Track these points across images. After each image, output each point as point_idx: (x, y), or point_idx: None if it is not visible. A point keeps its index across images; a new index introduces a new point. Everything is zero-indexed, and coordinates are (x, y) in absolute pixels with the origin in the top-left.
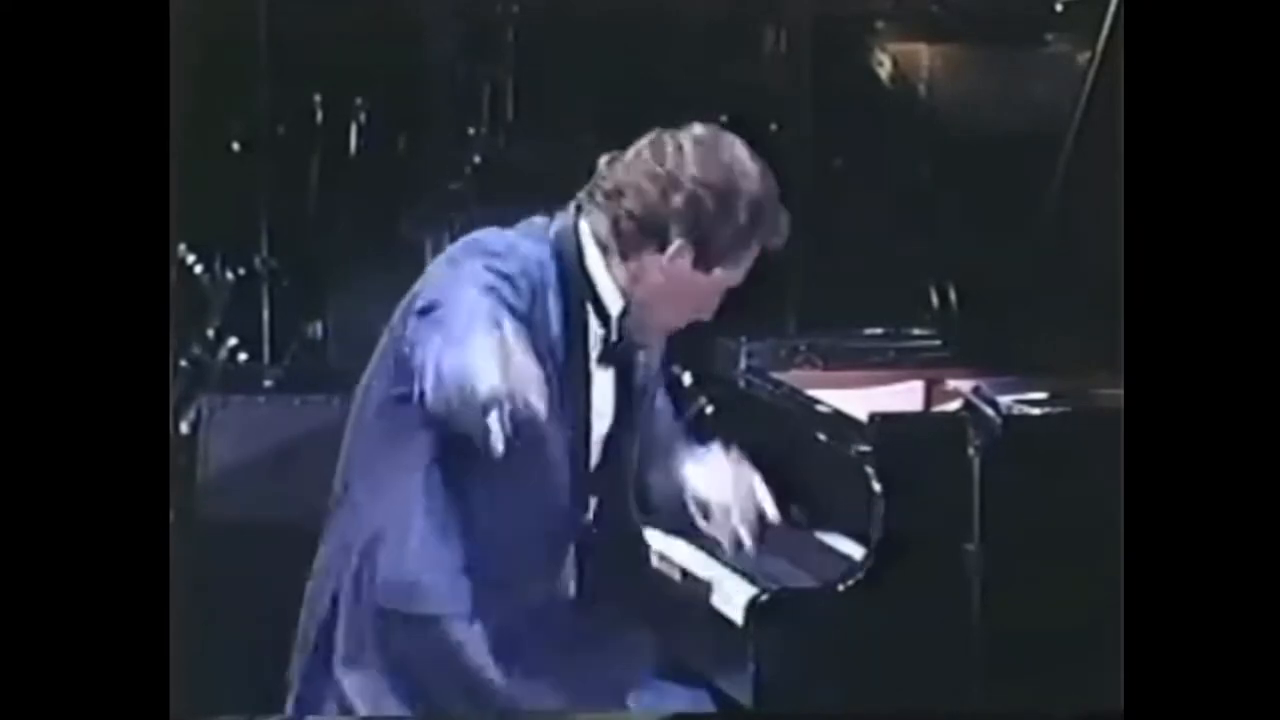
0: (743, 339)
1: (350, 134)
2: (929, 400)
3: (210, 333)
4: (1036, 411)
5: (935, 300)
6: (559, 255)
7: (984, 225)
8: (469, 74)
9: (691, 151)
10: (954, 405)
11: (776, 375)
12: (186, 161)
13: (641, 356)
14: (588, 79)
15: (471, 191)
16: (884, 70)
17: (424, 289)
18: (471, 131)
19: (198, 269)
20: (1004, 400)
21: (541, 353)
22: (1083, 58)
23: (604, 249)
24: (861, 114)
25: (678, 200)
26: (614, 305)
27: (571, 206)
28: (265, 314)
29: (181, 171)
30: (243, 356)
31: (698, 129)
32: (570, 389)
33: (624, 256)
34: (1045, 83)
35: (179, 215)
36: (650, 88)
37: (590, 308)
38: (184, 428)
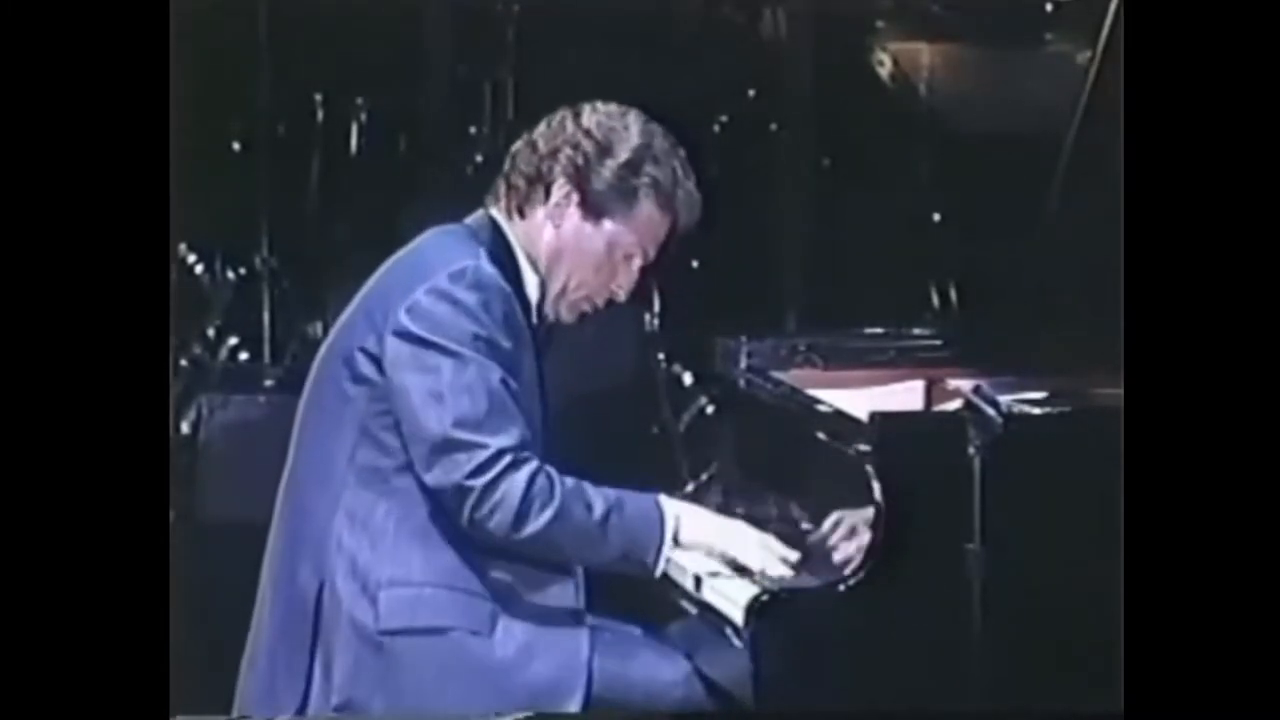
0: (743, 339)
1: (350, 134)
2: (929, 400)
3: (210, 333)
4: (1036, 411)
5: (935, 300)
6: (492, 257)
7: (984, 225)
8: (469, 74)
9: (585, 113)
10: (954, 405)
11: (776, 375)
12: (186, 161)
13: None
14: (587, 79)
15: (471, 191)
16: (884, 70)
17: (405, 314)
18: (472, 131)
19: (198, 269)
20: (1004, 400)
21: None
22: (1083, 58)
23: (507, 216)
24: (861, 114)
25: (558, 142)
26: (533, 290)
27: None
28: (265, 314)
29: (181, 171)
30: (243, 356)
31: (603, 103)
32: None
33: (520, 214)
34: (1045, 83)
35: (179, 215)
36: (650, 88)
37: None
38: (184, 428)
